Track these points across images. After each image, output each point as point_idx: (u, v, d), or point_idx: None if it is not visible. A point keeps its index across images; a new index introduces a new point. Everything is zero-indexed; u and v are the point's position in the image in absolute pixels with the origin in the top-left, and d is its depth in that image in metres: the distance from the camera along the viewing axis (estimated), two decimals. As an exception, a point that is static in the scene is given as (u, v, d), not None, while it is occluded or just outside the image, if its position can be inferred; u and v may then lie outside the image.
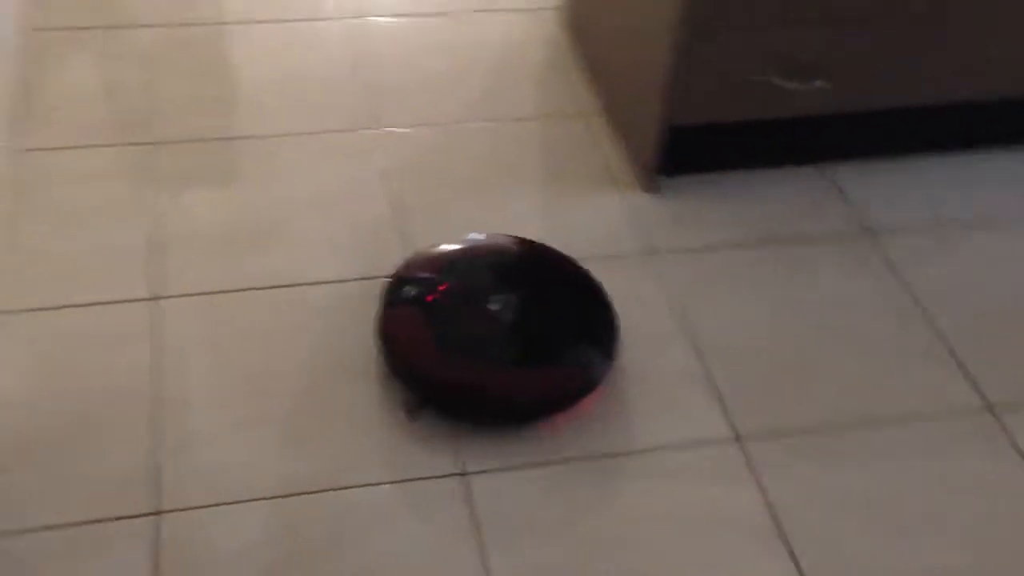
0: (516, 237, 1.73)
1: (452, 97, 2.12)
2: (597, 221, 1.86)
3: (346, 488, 1.41)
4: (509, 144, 2.02)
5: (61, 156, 1.88)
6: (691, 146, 1.92)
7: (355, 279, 1.71)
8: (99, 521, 1.34)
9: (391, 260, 1.71)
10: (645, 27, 1.84)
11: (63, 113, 1.98)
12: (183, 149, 1.93)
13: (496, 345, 1.53)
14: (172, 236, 1.75)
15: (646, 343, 1.64)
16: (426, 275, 1.63)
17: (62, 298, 1.63)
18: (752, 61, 1.78)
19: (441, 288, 1.60)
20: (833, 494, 1.45)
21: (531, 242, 1.73)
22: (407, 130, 2.04)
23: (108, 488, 1.38)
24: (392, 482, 1.42)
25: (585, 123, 2.08)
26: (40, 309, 1.61)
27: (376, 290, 1.65)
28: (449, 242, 1.71)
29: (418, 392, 1.51)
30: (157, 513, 1.35)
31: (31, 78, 2.04)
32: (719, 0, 1.68)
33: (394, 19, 2.35)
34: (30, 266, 1.67)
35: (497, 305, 1.57)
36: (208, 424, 1.47)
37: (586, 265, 1.73)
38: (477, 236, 1.74)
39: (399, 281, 1.63)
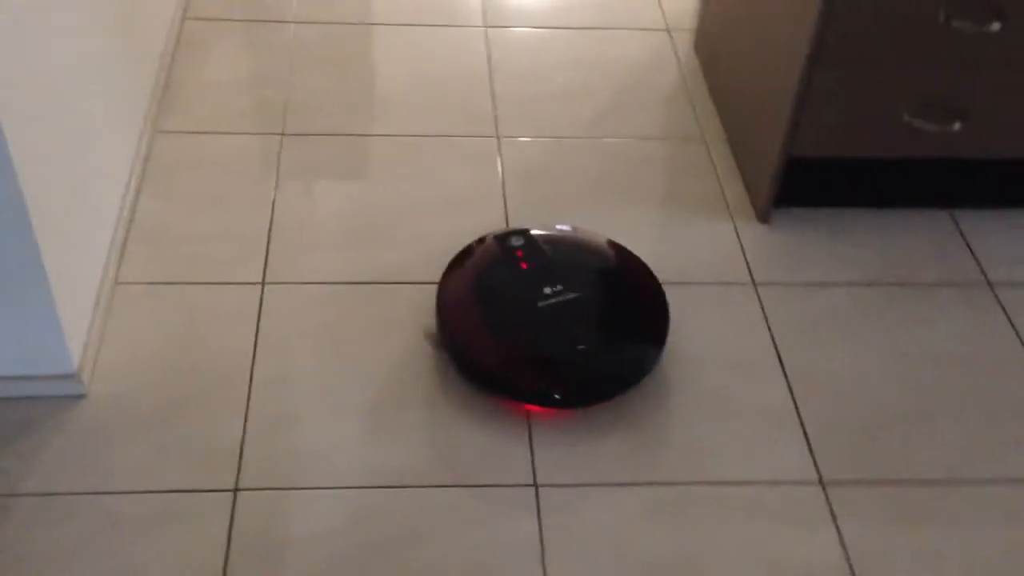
0: (601, 236, 1.77)
1: (578, 111, 2.14)
2: (706, 245, 1.84)
3: (423, 487, 1.44)
4: (628, 162, 2.03)
5: (196, 140, 1.99)
6: (810, 178, 1.88)
7: (458, 283, 1.75)
8: (186, 491, 1.41)
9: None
10: (774, 54, 1.82)
11: (203, 99, 2.08)
12: (313, 141, 2.01)
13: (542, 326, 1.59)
14: (291, 224, 1.82)
15: (741, 373, 1.62)
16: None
17: (184, 274, 1.72)
18: (885, 97, 1.73)
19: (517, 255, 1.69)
20: (910, 550, 1.40)
21: (615, 244, 1.76)
22: (530, 139, 2.07)
23: (199, 460, 1.45)
24: (467, 486, 1.45)
25: (706, 148, 2.07)
26: (164, 283, 1.70)
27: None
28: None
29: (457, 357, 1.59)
30: (237, 490, 1.42)
31: (178, 64, 2.16)
32: (853, 32, 1.64)
33: (533, 30, 2.38)
34: (159, 243, 1.77)
35: (552, 291, 1.61)
36: (299, 409, 1.53)
37: (690, 289, 1.72)
38: (564, 227, 1.79)
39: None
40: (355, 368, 1.59)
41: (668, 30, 2.40)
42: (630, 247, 1.77)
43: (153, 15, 2.10)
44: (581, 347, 1.57)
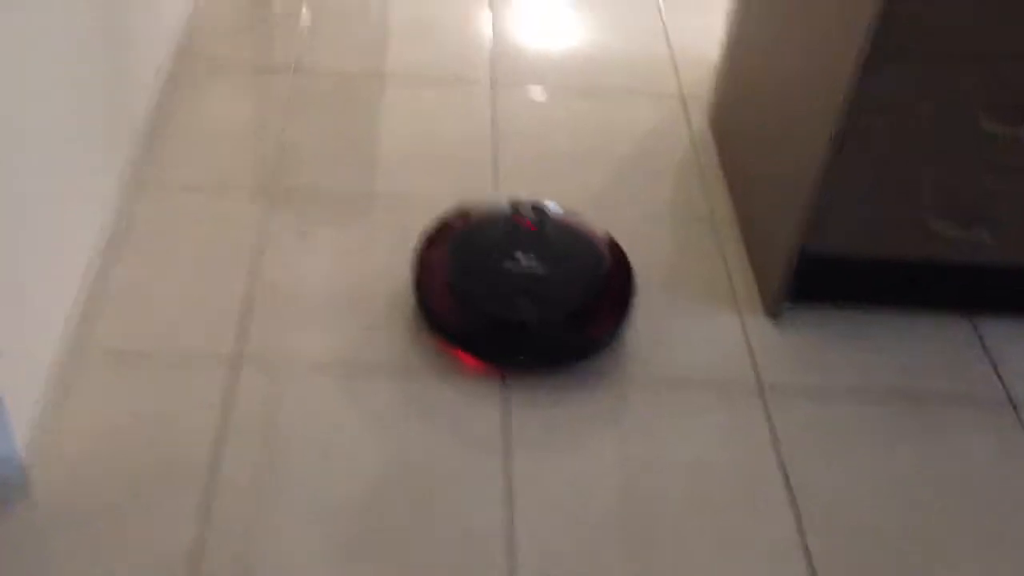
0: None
1: (581, 178, 2.03)
2: (709, 339, 1.73)
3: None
4: (630, 236, 1.91)
5: (180, 196, 1.88)
6: (824, 274, 1.77)
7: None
8: None
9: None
10: (795, 139, 1.71)
11: (192, 149, 1.97)
12: (306, 200, 1.90)
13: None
14: (276, 295, 1.71)
15: (741, 488, 1.50)
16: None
17: (152, 346, 1.60)
18: (911, 196, 1.62)
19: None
20: None
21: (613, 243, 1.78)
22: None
23: (148, 568, 1.33)
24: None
25: (713, 229, 1.95)
26: (130, 353, 1.59)
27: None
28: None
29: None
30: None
31: (170, 108, 2.06)
32: (881, 124, 1.53)
33: (543, 90, 2.28)
34: (127, 310, 1.66)
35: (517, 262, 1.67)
36: (267, 517, 1.41)
37: (689, 388, 1.62)
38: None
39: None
40: (339, 466, 1.47)
41: (683, 97, 2.30)
42: (626, 337, 1.67)
43: (145, 49, 1.99)
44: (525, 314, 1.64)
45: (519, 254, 1.68)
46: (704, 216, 1.98)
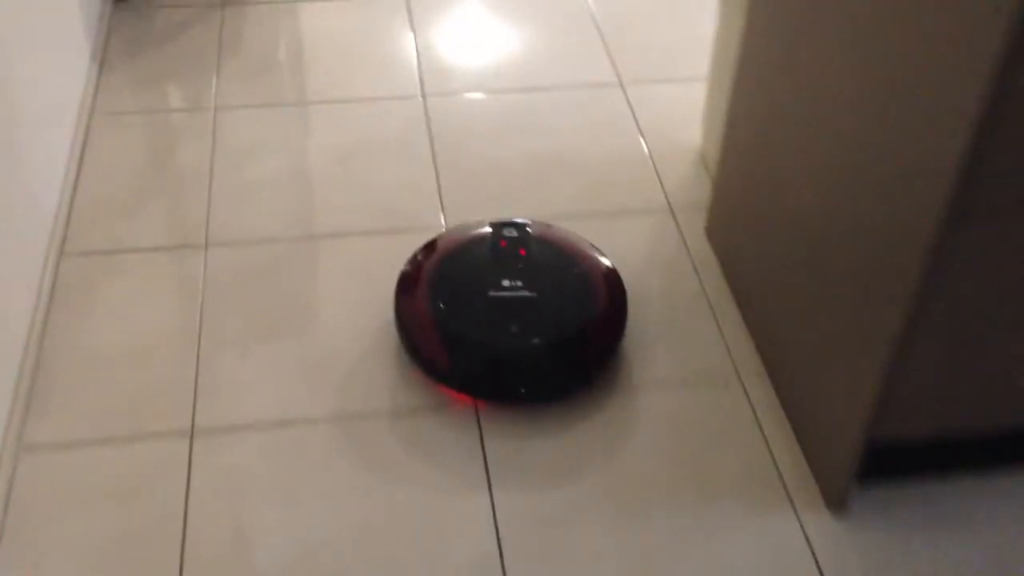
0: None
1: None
2: (757, 555, 1.38)
3: None
4: (635, 413, 1.56)
5: (70, 457, 1.48)
6: (894, 451, 1.42)
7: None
8: None
9: None
10: (844, 297, 1.36)
11: (82, 384, 1.57)
12: (233, 440, 1.51)
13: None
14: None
15: None
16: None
17: None
18: (1000, 359, 1.29)
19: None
20: None
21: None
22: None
23: None
24: None
25: (736, 389, 1.60)
26: None
27: None
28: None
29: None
30: None
31: (53, 327, 1.66)
32: (968, 287, 1.19)
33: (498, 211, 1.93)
34: None
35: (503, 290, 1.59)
36: None
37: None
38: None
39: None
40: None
41: (669, 205, 1.95)
42: (652, 560, 1.32)
43: (15, 256, 1.60)
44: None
45: (505, 280, 1.60)
46: (725, 374, 1.63)
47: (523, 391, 1.56)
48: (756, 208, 1.63)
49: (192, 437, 1.51)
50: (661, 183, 2.00)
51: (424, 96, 2.18)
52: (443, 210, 1.91)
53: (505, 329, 1.55)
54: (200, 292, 1.73)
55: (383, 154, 2.03)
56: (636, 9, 2.45)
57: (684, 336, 1.69)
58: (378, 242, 1.84)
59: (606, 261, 1.72)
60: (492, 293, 1.59)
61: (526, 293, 1.59)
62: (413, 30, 2.36)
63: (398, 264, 1.72)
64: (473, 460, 1.50)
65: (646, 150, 2.07)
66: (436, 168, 2.00)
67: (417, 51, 2.29)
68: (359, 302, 1.72)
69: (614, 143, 2.08)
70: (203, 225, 1.85)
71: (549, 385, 1.58)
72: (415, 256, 1.70)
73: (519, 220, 1.75)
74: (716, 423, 1.56)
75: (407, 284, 1.65)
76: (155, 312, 1.69)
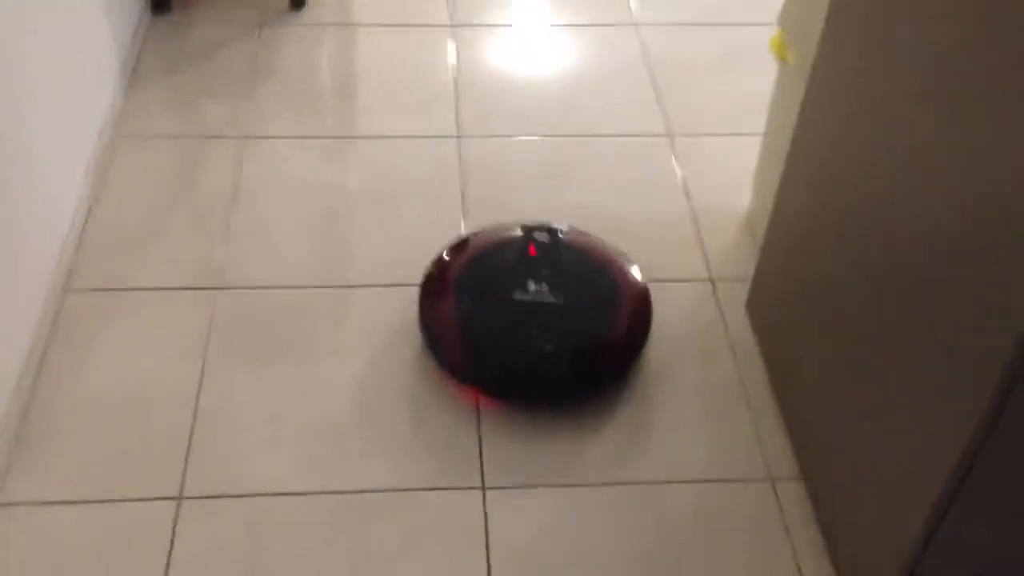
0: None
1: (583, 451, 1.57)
2: None
3: None
4: (651, 513, 1.45)
5: (51, 515, 1.40)
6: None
7: None
8: None
9: None
10: (896, 431, 1.24)
11: (70, 437, 1.48)
12: (221, 510, 1.42)
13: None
14: None
15: None
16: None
17: None
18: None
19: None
20: None
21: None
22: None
23: None
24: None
25: (765, 491, 1.48)
26: None
27: None
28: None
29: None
30: None
31: (50, 370, 1.59)
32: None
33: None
34: None
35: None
36: None
37: None
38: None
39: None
40: None
41: (711, 278, 1.83)
42: None
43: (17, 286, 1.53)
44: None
45: (531, 283, 1.61)
46: (755, 470, 1.51)
47: (536, 395, 1.59)
48: (805, 291, 1.51)
49: (179, 504, 1.42)
50: (703, 248, 1.88)
51: (460, 137, 2.07)
52: (469, 264, 1.82)
53: (525, 333, 1.57)
54: (206, 340, 1.64)
55: (413, 198, 1.93)
56: (692, 57, 2.32)
57: (714, 422, 1.57)
58: (400, 298, 1.74)
59: (637, 275, 1.71)
60: (517, 296, 1.60)
61: (551, 299, 1.59)
62: (457, 64, 2.26)
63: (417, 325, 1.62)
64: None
65: (690, 210, 1.95)
66: (464, 216, 1.90)
67: (457, 87, 2.19)
68: (376, 366, 1.63)
69: (657, 200, 1.96)
70: (218, 265, 1.77)
71: (561, 392, 1.59)
72: (444, 251, 1.71)
73: (553, 225, 1.74)
74: (740, 523, 1.44)
75: (435, 278, 1.67)
76: (157, 360, 1.60)
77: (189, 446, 1.49)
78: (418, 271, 1.76)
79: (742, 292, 1.78)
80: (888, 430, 1.23)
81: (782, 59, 1.71)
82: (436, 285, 1.66)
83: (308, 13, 2.36)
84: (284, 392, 1.58)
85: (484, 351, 1.56)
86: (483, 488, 1.47)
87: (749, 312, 1.75)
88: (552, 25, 2.38)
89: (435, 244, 1.81)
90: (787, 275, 1.58)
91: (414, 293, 1.72)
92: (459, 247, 1.71)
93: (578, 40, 2.34)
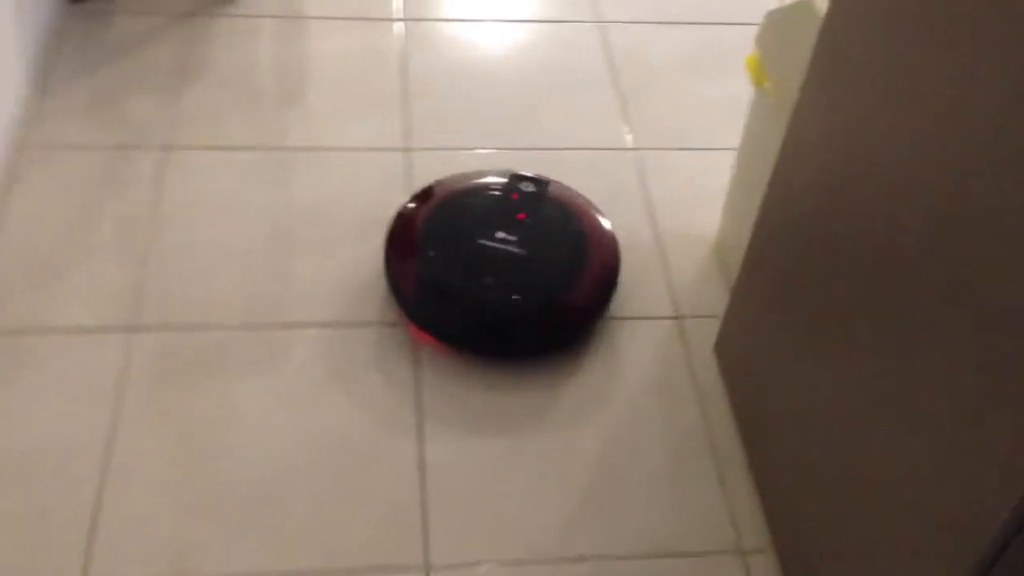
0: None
1: (541, 518, 1.43)
2: None
3: None
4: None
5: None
6: None
7: None
8: None
9: None
10: (887, 501, 1.11)
11: None
12: None
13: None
14: None
15: None
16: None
17: None
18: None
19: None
20: None
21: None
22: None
23: None
24: None
25: (735, 566, 1.36)
26: None
27: None
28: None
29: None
30: None
31: None
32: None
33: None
34: None
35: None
36: None
37: None
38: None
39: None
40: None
41: (676, 313, 1.69)
42: None
43: None
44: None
45: (500, 232, 1.60)
46: (723, 542, 1.39)
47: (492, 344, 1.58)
48: (783, 341, 1.37)
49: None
50: (668, 279, 1.74)
51: (409, 150, 1.91)
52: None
53: (481, 280, 1.56)
54: (120, 389, 1.47)
55: (358, 220, 1.76)
56: (662, 59, 2.16)
57: (676, 485, 1.45)
58: (345, 339, 1.58)
59: (609, 232, 1.71)
60: (481, 241, 1.59)
61: (515, 249, 1.57)
62: (408, 65, 2.08)
63: (363, 373, 1.47)
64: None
65: (655, 236, 1.80)
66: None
67: (407, 92, 2.02)
68: (317, 415, 1.47)
69: (620, 222, 1.81)
70: (134, 301, 1.59)
71: (518, 343, 1.58)
72: (425, 188, 1.71)
73: (540, 176, 1.73)
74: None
75: (409, 211, 1.67)
76: (60, 419, 1.43)
77: (99, 510, 1.33)
78: (364, 306, 1.61)
79: (709, 329, 1.65)
80: (874, 523, 1.11)
81: (758, 84, 1.56)
82: (406, 222, 1.65)
83: (246, 1, 2.17)
84: (209, 449, 1.42)
85: (437, 293, 1.57)
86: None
87: (718, 354, 1.62)
88: (511, 21, 2.20)
89: (382, 276, 1.65)
90: (761, 322, 1.44)
91: (360, 333, 1.57)
92: (438, 187, 1.72)
93: (538, 39, 2.17)
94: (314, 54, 2.07)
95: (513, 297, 1.56)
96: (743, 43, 2.12)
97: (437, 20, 2.18)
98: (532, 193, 1.69)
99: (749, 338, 1.49)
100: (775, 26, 1.50)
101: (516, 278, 1.57)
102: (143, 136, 1.86)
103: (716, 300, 1.70)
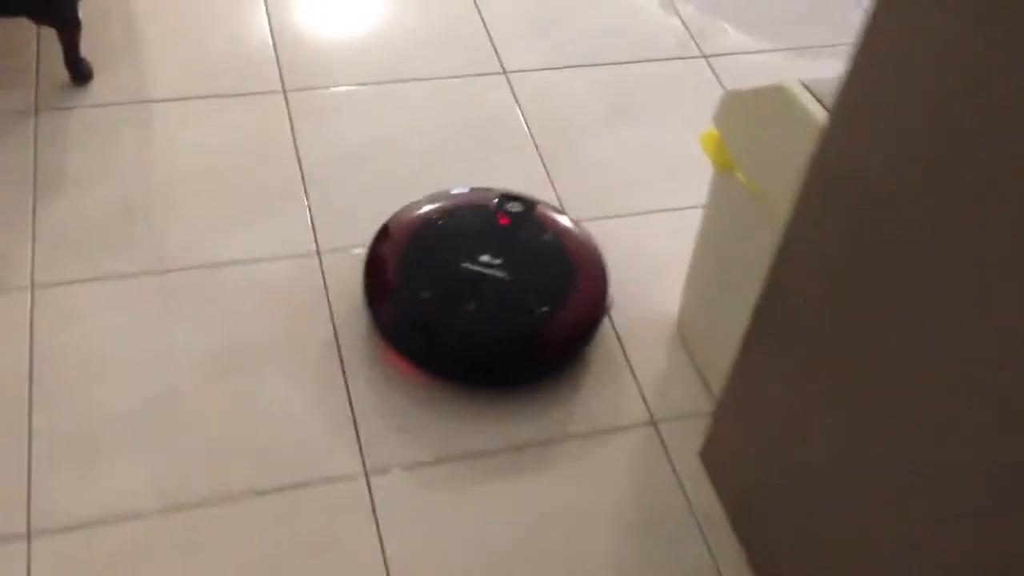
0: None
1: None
2: None
3: None
4: None
5: None
6: None
7: None
8: None
9: None
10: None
11: None
12: None
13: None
14: None
15: None
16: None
17: None
18: None
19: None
20: None
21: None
22: None
23: None
24: None
25: None
26: None
27: None
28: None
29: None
30: None
31: None
32: None
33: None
34: None
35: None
36: None
37: None
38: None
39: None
40: None
41: (651, 417, 1.52)
42: None
43: None
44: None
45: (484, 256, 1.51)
46: None
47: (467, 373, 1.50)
48: (786, 456, 1.21)
49: None
50: (633, 373, 1.56)
51: (320, 254, 1.66)
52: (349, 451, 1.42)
53: (460, 305, 1.48)
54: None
55: (274, 356, 1.51)
56: (578, 110, 1.95)
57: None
58: (272, 508, 1.34)
59: (600, 265, 1.60)
60: (465, 265, 1.50)
61: (499, 274, 1.49)
62: (299, 147, 1.81)
63: (302, 554, 1.23)
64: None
65: (608, 320, 1.62)
66: (345, 372, 1.51)
67: (305, 181, 1.76)
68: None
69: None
70: (19, 499, 1.31)
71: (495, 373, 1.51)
72: (412, 204, 1.63)
73: (528, 197, 1.64)
74: None
75: (393, 224, 1.59)
76: None
77: None
78: (295, 473, 1.37)
79: (686, 432, 1.48)
80: None
81: (721, 165, 1.39)
82: (389, 235, 1.58)
83: (96, 88, 1.85)
84: None
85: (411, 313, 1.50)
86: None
87: (705, 463, 1.45)
88: (408, 81, 1.95)
89: (315, 430, 1.42)
90: (758, 440, 1.28)
91: (288, 501, 1.33)
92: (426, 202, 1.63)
93: (443, 99, 1.93)
94: (185, 143, 1.78)
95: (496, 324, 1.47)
96: (644, 83, 1.98)
97: (325, 88, 1.92)
98: (520, 213, 1.61)
99: (745, 462, 1.32)
100: (740, 108, 1.33)
101: (500, 303, 1.49)
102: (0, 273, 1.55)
103: (687, 391, 1.54)
